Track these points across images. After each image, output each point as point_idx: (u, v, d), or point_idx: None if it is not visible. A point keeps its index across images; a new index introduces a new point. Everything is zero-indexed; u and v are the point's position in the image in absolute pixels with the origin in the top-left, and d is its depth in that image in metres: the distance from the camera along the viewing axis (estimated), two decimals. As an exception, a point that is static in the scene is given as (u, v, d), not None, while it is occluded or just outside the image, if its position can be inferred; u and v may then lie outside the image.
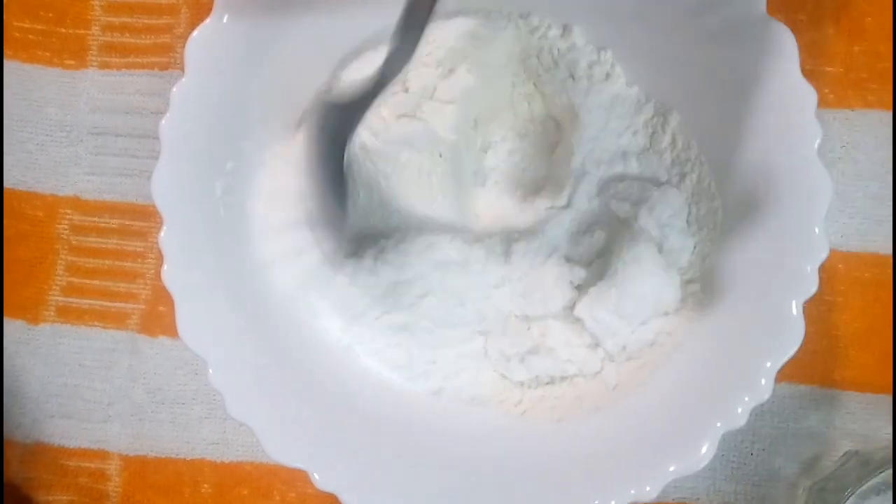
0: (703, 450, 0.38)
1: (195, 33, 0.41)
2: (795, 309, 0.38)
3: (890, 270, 0.47)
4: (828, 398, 0.48)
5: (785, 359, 0.38)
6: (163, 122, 0.40)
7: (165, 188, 0.41)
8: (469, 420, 0.45)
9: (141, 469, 0.50)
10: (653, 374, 0.43)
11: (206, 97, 0.41)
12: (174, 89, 0.41)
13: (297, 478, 0.49)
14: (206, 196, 0.43)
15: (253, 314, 0.44)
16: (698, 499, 0.48)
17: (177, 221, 0.41)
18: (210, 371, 0.40)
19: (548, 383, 0.46)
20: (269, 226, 0.45)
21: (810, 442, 0.48)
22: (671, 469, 0.38)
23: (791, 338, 0.38)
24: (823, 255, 0.38)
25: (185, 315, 0.40)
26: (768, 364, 0.38)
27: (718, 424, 0.38)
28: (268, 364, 0.43)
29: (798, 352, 0.38)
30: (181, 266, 0.41)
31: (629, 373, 0.44)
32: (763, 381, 0.38)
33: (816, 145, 0.39)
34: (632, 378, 0.44)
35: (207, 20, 0.41)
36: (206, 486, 0.50)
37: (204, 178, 0.42)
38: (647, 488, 0.38)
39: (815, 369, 0.47)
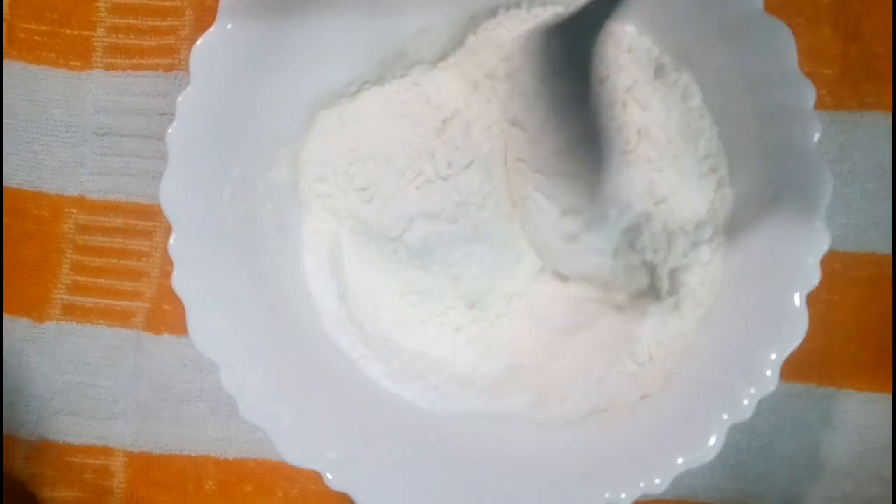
0: (711, 442, 0.38)
1: (200, 42, 0.41)
2: (799, 300, 0.39)
3: (887, 269, 0.48)
4: (826, 397, 0.48)
5: (789, 350, 0.39)
6: (169, 130, 0.40)
7: (174, 196, 0.41)
8: (477, 416, 0.45)
9: (145, 465, 0.50)
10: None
11: (212, 105, 0.41)
12: (180, 98, 0.40)
13: (300, 474, 0.49)
14: (215, 203, 0.43)
15: (263, 317, 0.44)
16: (697, 496, 0.48)
17: (186, 229, 0.41)
18: (223, 375, 0.40)
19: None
20: (278, 229, 0.46)
21: (808, 441, 0.48)
22: (679, 462, 0.38)
23: (795, 329, 0.38)
24: (825, 246, 0.39)
25: (197, 320, 0.40)
26: (773, 356, 0.38)
27: (725, 417, 0.38)
28: (280, 366, 0.43)
29: (796, 351, 0.39)
30: (191, 272, 0.41)
31: (637, 368, 0.44)
32: (769, 373, 0.38)
33: (816, 138, 0.39)
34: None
35: (212, 28, 0.41)
36: (209, 482, 0.50)
37: (212, 185, 0.42)
38: (657, 481, 0.38)
39: (812, 368, 0.48)
